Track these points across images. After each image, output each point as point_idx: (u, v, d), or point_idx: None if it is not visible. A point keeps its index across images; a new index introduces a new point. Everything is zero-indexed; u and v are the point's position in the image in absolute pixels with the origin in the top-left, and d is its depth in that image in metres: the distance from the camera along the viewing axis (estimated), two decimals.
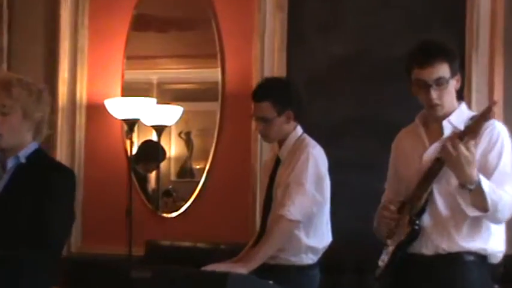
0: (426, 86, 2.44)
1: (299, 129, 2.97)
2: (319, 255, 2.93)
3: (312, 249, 2.89)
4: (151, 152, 4.51)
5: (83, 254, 4.41)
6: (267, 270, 2.70)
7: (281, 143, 2.95)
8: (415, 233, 2.43)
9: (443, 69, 2.44)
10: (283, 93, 2.91)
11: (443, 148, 2.32)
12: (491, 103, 2.28)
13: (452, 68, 2.46)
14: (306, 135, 2.96)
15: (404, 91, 3.71)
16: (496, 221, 2.40)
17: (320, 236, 2.91)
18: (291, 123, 2.92)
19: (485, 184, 2.32)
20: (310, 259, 2.89)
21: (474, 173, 2.31)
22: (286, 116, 2.90)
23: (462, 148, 2.28)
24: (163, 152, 4.50)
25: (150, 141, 4.54)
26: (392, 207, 2.49)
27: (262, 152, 4.10)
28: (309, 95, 4.09)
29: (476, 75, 3.81)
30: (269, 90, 2.91)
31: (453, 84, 2.48)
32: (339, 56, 4.09)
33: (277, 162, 2.96)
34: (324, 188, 2.89)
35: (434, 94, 2.43)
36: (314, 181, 2.83)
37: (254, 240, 2.96)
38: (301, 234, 2.84)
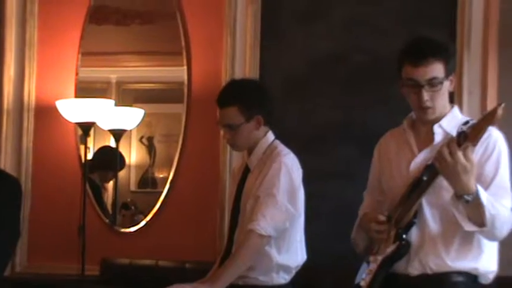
0: (418, 86, 2.43)
1: (270, 135, 2.96)
2: (292, 274, 2.91)
3: (284, 268, 2.88)
4: (109, 160, 4.48)
5: (29, 273, 4.34)
6: None
7: (250, 150, 2.94)
8: (403, 249, 2.42)
9: (437, 69, 2.43)
10: (251, 97, 2.90)
11: (439, 154, 2.29)
12: (497, 105, 2.22)
13: (448, 68, 2.46)
14: (278, 142, 2.96)
15: (391, 94, 3.74)
16: (493, 237, 2.39)
17: (293, 253, 2.90)
18: (261, 129, 2.92)
19: (484, 196, 2.30)
20: (282, 278, 2.88)
21: (472, 182, 2.29)
22: (255, 122, 2.89)
23: (460, 155, 2.26)
24: (122, 159, 4.47)
25: (107, 147, 4.50)
26: (382, 218, 2.48)
27: (232, 160, 4.08)
28: (285, 96, 4.12)
29: (468, 75, 3.82)
30: (235, 94, 2.89)
31: (447, 86, 2.48)
32: (319, 54, 4.08)
33: (246, 171, 2.95)
34: (298, 200, 2.88)
35: (426, 95, 2.43)
36: (287, 192, 2.82)
37: (220, 257, 2.95)
38: (273, 251, 2.83)
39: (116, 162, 4.44)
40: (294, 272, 2.92)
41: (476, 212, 2.31)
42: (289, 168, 2.85)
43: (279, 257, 2.85)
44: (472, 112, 3.74)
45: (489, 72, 3.83)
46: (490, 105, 3.81)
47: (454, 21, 3.89)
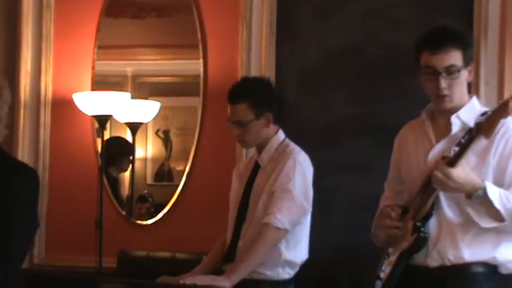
0: (435, 74, 2.43)
1: (281, 134, 3.00)
2: (296, 270, 2.94)
3: (289, 264, 2.91)
4: (119, 150, 4.49)
5: (47, 265, 4.38)
6: (237, 286, 2.71)
7: (260, 148, 2.98)
8: (421, 241, 2.43)
9: (455, 57, 2.44)
10: (261, 94, 2.93)
11: (435, 180, 2.34)
12: (509, 97, 2.24)
13: (466, 57, 2.46)
14: (289, 141, 3.00)
15: (407, 86, 3.74)
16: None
17: (299, 250, 2.94)
18: (271, 127, 2.95)
19: (492, 191, 2.32)
20: (287, 273, 2.91)
21: (476, 181, 2.33)
22: (265, 119, 2.92)
23: (452, 172, 2.30)
24: (130, 147, 4.45)
25: (116, 137, 4.50)
26: (394, 214, 2.50)
27: (248, 153, 4.09)
28: (301, 90, 4.13)
29: (485, 65, 3.81)
30: (246, 91, 2.93)
31: (465, 76, 2.48)
32: (335, 47, 4.07)
33: (256, 168, 2.98)
34: (310, 197, 2.92)
35: (443, 83, 2.43)
36: (302, 189, 2.86)
37: (224, 251, 2.97)
38: (282, 247, 2.86)
39: (128, 151, 4.45)
40: (298, 267, 2.94)
41: (491, 208, 2.33)
42: (303, 165, 2.89)
43: (287, 253, 2.88)
44: (489, 103, 3.70)
45: (506, 62, 3.81)
46: (508, 96, 3.79)
47: (471, 12, 3.87)
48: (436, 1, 3.94)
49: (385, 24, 4.01)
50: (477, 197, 2.33)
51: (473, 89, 3.70)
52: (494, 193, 2.34)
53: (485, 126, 2.29)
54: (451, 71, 2.44)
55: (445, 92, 2.44)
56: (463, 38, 2.50)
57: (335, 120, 4.04)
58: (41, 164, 4.48)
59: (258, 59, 4.18)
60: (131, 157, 4.50)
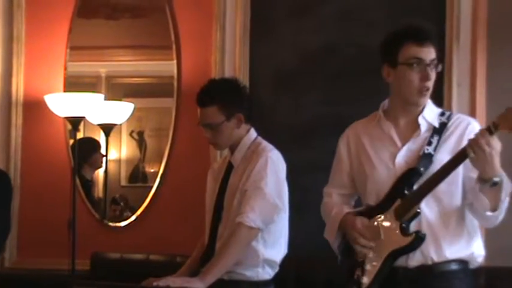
0: (423, 65, 2.44)
1: (253, 133, 3.00)
2: (276, 269, 2.95)
3: (269, 263, 2.91)
4: (89, 148, 4.46)
5: (19, 269, 4.33)
6: (217, 287, 2.70)
7: (233, 148, 2.98)
8: (419, 241, 2.42)
9: (434, 52, 2.48)
10: (230, 95, 2.93)
11: (476, 144, 2.31)
12: None
13: (437, 55, 2.49)
14: (261, 139, 3.00)
15: (381, 87, 3.75)
16: (491, 223, 2.44)
17: (278, 248, 2.94)
18: (243, 127, 2.95)
19: (506, 179, 2.36)
20: (266, 274, 2.91)
21: (499, 166, 2.34)
22: (236, 120, 2.93)
23: (495, 143, 2.30)
24: (99, 143, 4.44)
25: (84, 138, 4.47)
26: (368, 234, 2.47)
27: (222, 154, 4.08)
28: (276, 90, 4.13)
29: (457, 67, 3.85)
30: (214, 93, 2.92)
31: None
32: (309, 47, 4.09)
33: (229, 168, 2.98)
34: (283, 195, 2.92)
35: (432, 75, 2.45)
36: (274, 186, 2.85)
37: (202, 253, 2.96)
38: (259, 246, 2.86)
39: (98, 147, 4.44)
40: (277, 266, 2.94)
41: (495, 196, 2.36)
42: (275, 163, 2.89)
43: (265, 251, 2.87)
44: (462, 104, 3.77)
45: (478, 64, 3.85)
46: (479, 97, 3.83)
47: (444, 14, 3.91)
48: (408, 3, 3.98)
49: (358, 25, 4.03)
50: (493, 183, 2.34)
51: (446, 90, 3.75)
52: (506, 180, 2.38)
53: (503, 123, 2.29)
54: (434, 64, 2.46)
55: (429, 84, 2.46)
56: (436, 36, 2.53)
57: (310, 120, 4.05)
58: (13, 166, 4.43)
59: (232, 59, 4.18)
60: (103, 152, 4.47)
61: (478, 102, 3.80)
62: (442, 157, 2.43)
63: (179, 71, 4.33)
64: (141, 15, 4.50)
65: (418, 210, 2.44)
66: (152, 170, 4.44)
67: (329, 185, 2.72)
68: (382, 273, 2.47)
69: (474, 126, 2.50)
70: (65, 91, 4.42)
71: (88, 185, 4.52)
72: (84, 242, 4.16)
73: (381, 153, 2.54)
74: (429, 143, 2.43)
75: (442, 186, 2.41)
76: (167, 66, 4.35)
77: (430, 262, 2.44)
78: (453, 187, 2.45)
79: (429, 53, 2.45)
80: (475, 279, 2.53)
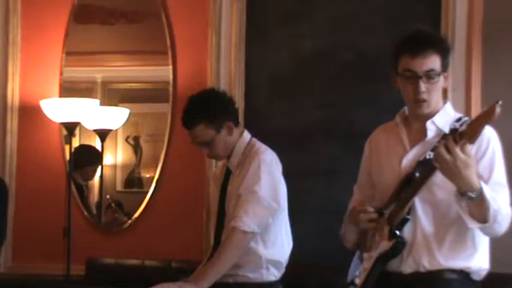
0: (415, 78, 2.42)
1: (246, 135, 3.01)
2: (283, 269, 2.94)
3: (273, 263, 2.90)
4: (86, 158, 4.45)
5: (13, 274, 4.32)
6: None
7: (230, 153, 2.97)
8: (399, 246, 2.41)
9: (435, 61, 2.43)
10: (213, 108, 2.93)
11: (437, 154, 2.25)
12: (495, 103, 2.18)
13: (444, 63, 2.46)
14: (255, 140, 3.00)
15: (376, 91, 3.76)
16: (494, 233, 2.37)
17: (280, 247, 2.93)
18: (235, 132, 2.96)
19: (487, 191, 2.28)
20: (272, 275, 2.90)
21: (474, 178, 2.25)
22: (226, 129, 2.93)
23: (458, 151, 2.21)
24: (98, 154, 4.42)
25: (85, 145, 4.48)
26: (370, 209, 2.47)
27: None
28: (271, 95, 4.14)
29: (453, 72, 3.81)
30: (197, 112, 2.92)
31: (442, 81, 2.47)
32: (305, 52, 4.09)
33: (228, 173, 2.99)
34: (279, 195, 2.91)
35: (423, 87, 2.42)
36: (268, 188, 2.85)
37: (208, 258, 2.95)
38: (259, 247, 2.86)
39: (92, 159, 4.42)
40: (284, 266, 2.93)
41: (479, 209, 2.29)
42: (268, 164, 2.88)
43: (266, 252, 2.87)
44: (456, 109, 3.73)
45: (473, 69, 3.85)
46: (474, 102, 3.84)
47: (439, 19, 3.91)
48: (404, 8, 3.98)
49: (353, 30, 4.04)
50: (469, 198, 2.26)
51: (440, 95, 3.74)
52: (488, 194, 2.29)
53: (468, 133, 2.23)
54: (430, 75, 2.43)
55: (424, 96, 2.43)
56: (442, 43, 2.50)
57: (305, 125, 4.06)
58: (8, 172, 4.42)
59: (228, 65, 4.18)
60: (98, 167, 4.45)
61: (473, 107, 3.80)
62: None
63: (175, 77, 4.33)
64: (136, 20, 4.50)
65: (407, 217, 2.42)
66: (148, 175, 4.44)
67: (356, 184, 2.70)
68: (372, 276, 2.45)
69: (482, 135, 2.34)
70: (60, 96, 4.41)
71: (84, 190, 4.51)
72: (79, 247, 4.16)
73: (391, 157, 2.53)
74: (433, 149, 2.37)
75: (440, 194, 2.38)
76: (163, 72, 4.35)
77: (422, 269, 2.42)
78: (452, 196, 2.36)
79: (422, 64, 2.41)
80: None
